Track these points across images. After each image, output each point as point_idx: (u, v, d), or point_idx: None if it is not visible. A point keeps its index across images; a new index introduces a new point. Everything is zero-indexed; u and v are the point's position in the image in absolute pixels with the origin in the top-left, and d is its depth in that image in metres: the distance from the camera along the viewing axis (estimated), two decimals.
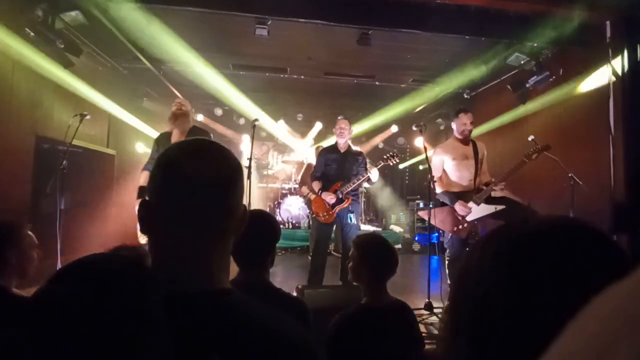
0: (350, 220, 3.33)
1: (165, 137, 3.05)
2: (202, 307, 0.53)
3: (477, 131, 5.69)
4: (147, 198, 0.59)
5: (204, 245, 0.57)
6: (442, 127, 6.59)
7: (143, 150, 5.71)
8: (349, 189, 3.35)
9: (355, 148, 3.69)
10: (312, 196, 3.65)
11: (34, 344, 0.45)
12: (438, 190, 3.01)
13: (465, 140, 3.05)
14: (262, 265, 1.33)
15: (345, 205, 3.33)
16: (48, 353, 0.45)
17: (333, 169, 3.51)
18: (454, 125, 3.08)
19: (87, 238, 4.18)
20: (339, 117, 3.62)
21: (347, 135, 3.54)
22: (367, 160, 3.61)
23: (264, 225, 1.32)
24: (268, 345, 0.53)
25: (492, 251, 0.42)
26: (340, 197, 3.35)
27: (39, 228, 3.40)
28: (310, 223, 5.41)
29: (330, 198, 3.34)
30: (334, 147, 3.61)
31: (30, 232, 1.47)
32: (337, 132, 3.54)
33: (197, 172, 0.57)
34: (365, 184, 3.45)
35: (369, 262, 1.43)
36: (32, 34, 3.45)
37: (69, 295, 0.46)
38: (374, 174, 3.39)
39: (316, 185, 3.49)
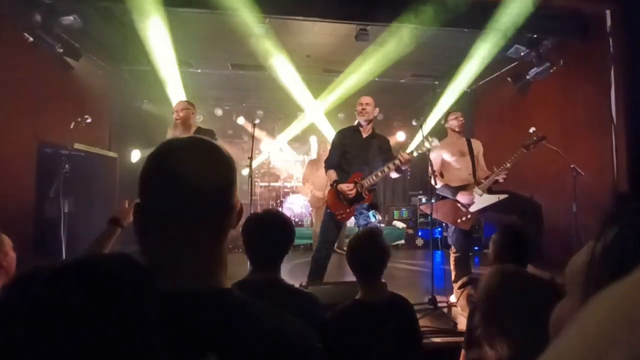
0: (374, 218, 2.83)
1: None
2: (199, 307, 0.53)
3: (478, 125, 5.70)
4: (138, 200, 0.57)
5: (201, 245, 0.57)
6: (442, 122, 6.56)
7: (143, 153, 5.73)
8: (372, 183, 2.76)
9: (379, 133, 3.05)
10: (324, 191, 3.12)
11: (30, 345, 0.46)
12: (438, 184, 3.03)
13: (462, 134, 3.17)
14: (277, 264, 1.37)
15: (365, 202, 2.80)
16: (44, 353, 0.45)
17: (351, 156, 2.89)
18: (447, 126, 3.26)
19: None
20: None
21: (370, 113, 2.90)
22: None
23: (282, 226, 1.36)
24: (265, 344, 0.52)
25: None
26: (360, 191, 2.76)
27: (44, 232, 3.45)
28: (314, 220, 5.36)
29: (349, 191, 2.75)
30: (355, 130, 2.98)
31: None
32: (358, 110, 2.93)
33: (193, 173, 0.55)
34: (394, 174, 2.85)
35: (356, 261, 1.44)
36: (30, 39, 3.46)
37: (63, 297, 0.47)
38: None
39: (332, 175, 2.89)
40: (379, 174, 2.73)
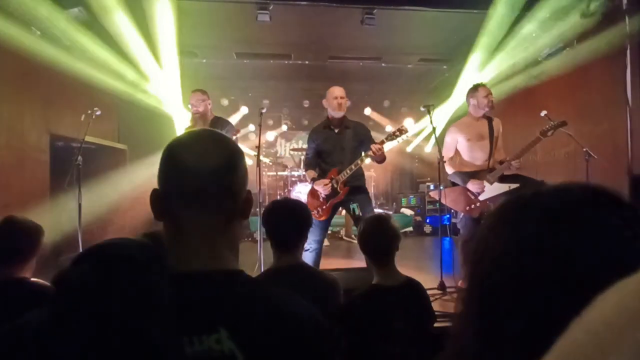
0: (354, 212, 2.76)
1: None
2: (210, 285, 0.57)
3: None
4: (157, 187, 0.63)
5: (210, 228, 0.61)
6: (467, 96, 6.44)
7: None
8: (347, 177, 2.71)
9: (352, 120, 2.91)
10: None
11: (54, 318, 0.50)
12: (449, 170, 2.97)
13: (484, 116, 2.94)
14: (297, 249, 1.45)
15: (340, 198, 2.73)
16: (64, 325, 0.48)
17: (326, 154, 2.83)
18: (471, 101, 2.94)
19: (106, 231, 4.32)
20: (332, 87, 2.80)
21: (345, 105, 2.78)
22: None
23: (297, 212, 1.46)
24: (274, 320, 0.55)
25: (514, 229, 0.36)
26: (335, 186, 2.73)
27: (60, 224, 3.54)
28: None
29: (323, 188, 2.73)
30: (325, 126, 2.87)
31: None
32: (333, 105, 2.75)
33: (198, 159, 0.61)
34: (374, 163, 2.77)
35: (368, 246, 1.47)
36: (38, 32, 3.49)
37: (80, 276, 0.50)
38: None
39: (311, 175, 2.86)
40: (353, 167, 2.69)
